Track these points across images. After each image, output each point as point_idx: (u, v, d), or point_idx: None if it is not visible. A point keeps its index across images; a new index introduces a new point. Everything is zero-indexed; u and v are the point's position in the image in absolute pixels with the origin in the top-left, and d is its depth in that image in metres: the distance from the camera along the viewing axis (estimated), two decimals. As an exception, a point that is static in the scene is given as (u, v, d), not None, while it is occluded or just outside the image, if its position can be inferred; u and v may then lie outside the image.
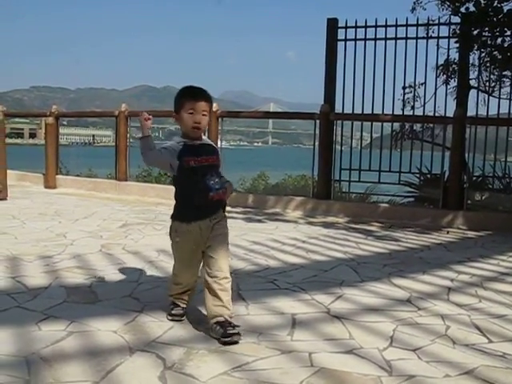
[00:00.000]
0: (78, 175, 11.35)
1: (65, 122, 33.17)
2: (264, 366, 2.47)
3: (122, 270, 4.17)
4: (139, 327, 2.95)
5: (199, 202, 2.87)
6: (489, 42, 9.04)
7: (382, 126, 8.08)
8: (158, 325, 2.99)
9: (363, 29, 7.91)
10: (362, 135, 8.00)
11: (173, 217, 3.02)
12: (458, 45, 8.26)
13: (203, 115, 2.90)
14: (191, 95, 2.91)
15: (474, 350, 2.76)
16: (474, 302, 3.63)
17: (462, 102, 7.77)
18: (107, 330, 2.87)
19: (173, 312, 3.09)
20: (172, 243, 3.09)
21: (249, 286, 3.86)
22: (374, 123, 8.02)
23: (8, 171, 8.54)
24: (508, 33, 8.73)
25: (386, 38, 7.80)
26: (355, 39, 7.92)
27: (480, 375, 2.46)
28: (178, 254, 3.11)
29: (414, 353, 2.69)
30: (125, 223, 6.31)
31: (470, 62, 9.05)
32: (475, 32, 8.83)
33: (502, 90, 8.66)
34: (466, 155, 7.76)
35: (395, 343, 2.81)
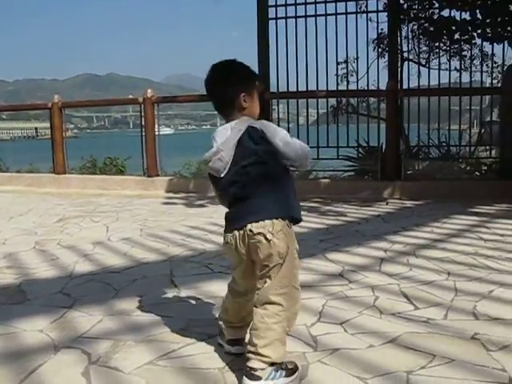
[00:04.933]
0: (18, 171, 11.03)
1: (4, 116, 32.16)
2: (190, 352, 2.47)
3: (55, 266, 4.09)
4: (67, 323, 2.90)
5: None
6: (420, 15, 9.20)
7: (318, 102, 8.13)
8: (86, 319, 2.94)
9: (293, 6, 7.93)
10: (298, 113, 8.03)
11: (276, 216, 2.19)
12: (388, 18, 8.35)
13: None
14: (259, 78, 2.46)
15: (399, 319, 2.83)
16: (405, 271, 3.71)
17: (394, 74, 7.87)
18: (33, 329, 2.80)
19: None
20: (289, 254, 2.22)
21: (183, 271, 3.85)
22: (310, 100, 8.06)
23: None
24: (436, 5, 8.87)
25: (316, 15, 7.83)
26: (286, 17, 7.92)
27: (403, 342, 2.52)
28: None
29: (341, 326, 2.73)
30: (62, 217, 6.18)
31: (404, 34, 9.20)
32: (405, 5, 8.97)
33: (435, 60, 8.84)
34: (406, 126, 7.92)
35: (323, 318, 2.85)
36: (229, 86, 2.26)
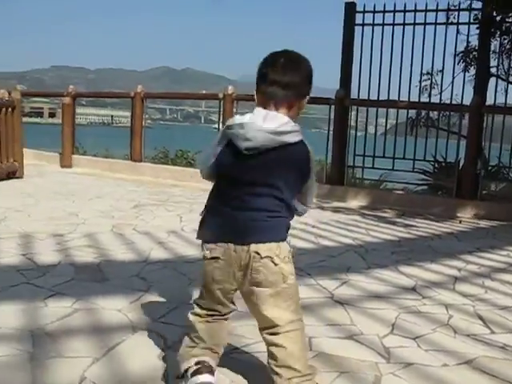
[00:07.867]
0: (94, 155, 11.39)
1: (84, 102, 33.22)
2: (262, 348, 2.49)
3: (131, 250, 4.23)
4: (144, 306, 3.00)
5: None
6: (512, 29, 8.88)
7: (398, 112, 8.02)
8: (162, 304, 3.03)
9: (381, 14, 7.83)
10: (377, 121, 7.96)
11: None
12: (478, 31, 8.12)
13: None
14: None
15: (475, 341, 2.77)
16: (480, 293, 3.63)
17: (480, 90, 7.66)
18: (112, 308, 2.92)
19: None
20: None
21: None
22: (389, 110, 7.95)
23: (25, 150, 8.62)
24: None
25: (404, 24, 7.69)
26: (373, 24, 7.83)
27: (478, 365, 2.47)
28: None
29: (414, 341, 2.70)
30: (137, 204, 6.36)
31: (492, 48, 8.91)
32: (498, 18, 8.67)
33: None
34: (484, 144, 7.67)
35: (396, 330, 2.82)
36: (299, 81, 1.92)
